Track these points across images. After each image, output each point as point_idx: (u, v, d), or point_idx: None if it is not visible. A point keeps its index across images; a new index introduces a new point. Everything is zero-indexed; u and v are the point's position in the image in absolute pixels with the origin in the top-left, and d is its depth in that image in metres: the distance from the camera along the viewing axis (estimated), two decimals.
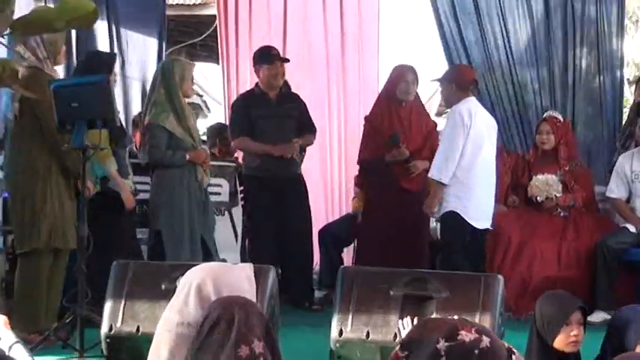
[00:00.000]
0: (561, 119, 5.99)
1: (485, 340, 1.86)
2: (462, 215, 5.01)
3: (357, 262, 5.64)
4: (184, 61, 5.45)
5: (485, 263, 5.28)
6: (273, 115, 5.61)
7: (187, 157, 5.11)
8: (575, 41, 6.65)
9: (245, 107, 5.68)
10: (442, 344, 1.86)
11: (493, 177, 5.23)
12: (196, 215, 5.15)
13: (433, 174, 5.05)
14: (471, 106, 5.13)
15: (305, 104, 5.86)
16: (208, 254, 5.13)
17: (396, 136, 5.49)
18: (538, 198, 5.74)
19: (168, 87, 5.13)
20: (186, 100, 5.28)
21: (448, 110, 5.76)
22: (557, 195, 5.71)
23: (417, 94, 5.71)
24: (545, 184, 5.73)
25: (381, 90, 6.03)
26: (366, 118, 5.77)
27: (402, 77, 5.51)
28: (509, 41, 6.67)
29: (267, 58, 5.67)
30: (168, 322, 2.31)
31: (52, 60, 4.39)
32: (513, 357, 1.92)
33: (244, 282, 2.30)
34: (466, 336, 1.86)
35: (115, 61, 5.06)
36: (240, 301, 2.16)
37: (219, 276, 2.29)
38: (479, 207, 5.09)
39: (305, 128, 5.76)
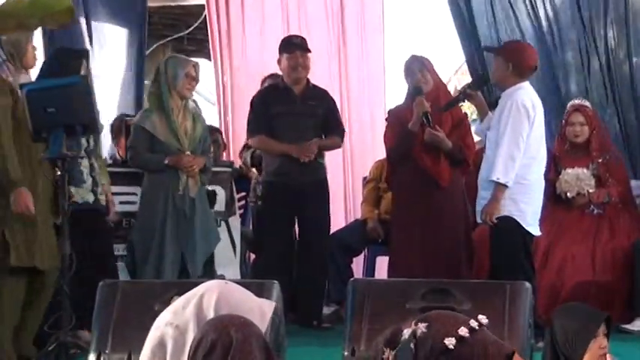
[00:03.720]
0: (591, 107, 5.99)
1: (421, 327, 1.98)
2: (519, 221, 4.81)
3: (390, 273, 5.55)
4: (179, 58, 5.49)
5: (534, 273, 4.95)
6: (295, 113, 5.62)
7: (166, 161, 5.14)
8: (605, 21, 6.65)
9: (264, 103, 5.70)
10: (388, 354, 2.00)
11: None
12: (171, 229, 5.12)
13: (499, 177, 4.73)
14: (531, 93, 4.93)
15: (334, 102, 5.87)
16: (185, 274, 5.10)
17: (420, 88, 5.32)
18: (568, 194, 5.72)
19: (159, 86, 5.22)
20: (186, 99, 5.29)
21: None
22: (590, 190, 5.70)
23: (440, 82, 5.56)
24: (576, 178, 5.72)
25: None
26: (389, 111, 5.75)
27: (408, 69, 5.48)
28: (529, 23, 6.69)
29: (287, 47, 5.71)
30: (159, 320, 2.38)
31: (17, 62, 4.35)
32: (463, 330, 1.96)
33: (254, 314, 2.30)
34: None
35: (87, 58, 5.04)
36: (237, 322, 2.16)
37: (227, 295, 2.31)
38: (536, 211, 4.91)
39: (331, 129, 5.75)
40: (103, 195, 5.02)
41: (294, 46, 5.69)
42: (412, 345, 1.89)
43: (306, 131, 5.61)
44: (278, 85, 5.78)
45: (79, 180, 4.86)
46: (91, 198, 4.92)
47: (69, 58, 4.78)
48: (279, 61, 5.75)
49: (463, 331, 1.93)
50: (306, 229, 5.63)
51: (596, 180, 5.74)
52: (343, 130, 5.89)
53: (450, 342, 1.90)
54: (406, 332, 1.93)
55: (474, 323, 1.97)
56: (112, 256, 5.21)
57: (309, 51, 5.74)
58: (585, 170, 5.74)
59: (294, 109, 5.62)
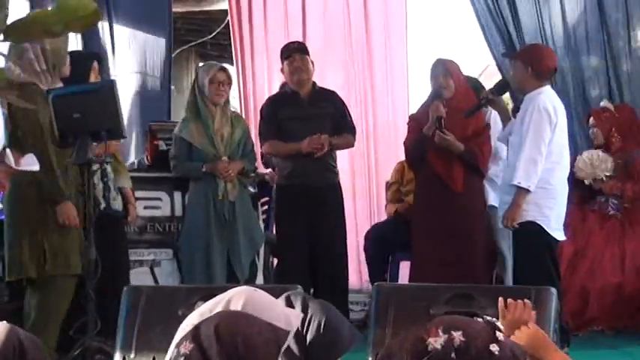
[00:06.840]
0: (612, 109, 5.95)
1: (457, 335, 1.86)
2: (543, 226, 4.79)
3: (412, 277, 5.53)
4: (205, 65, 5.67)
5: (559, 278, 4.96)
6: (304, 116, 5.64)
7: (204, 168, 5.23)
8: (632, 22, 6.60)
9: (273, 109, 5.74)
10: None
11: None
12: (216, 233, 5.21)
13: (520, 181, 4.73)
14: (553, 97, 4.93)
15: (343, 102, 5.89)
16: (234, 277, 5.19)
17: (440, 93, 5.32)
18: (585, 181, 5.69)
19: (194, 94, 5.40)
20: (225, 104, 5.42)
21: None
22: (606, 174, 5.65)
23: (463, 87, 5.47)
24: (590, 164, 5.68)
25: None
26: (411, 116, 5.77)
27: (432, 73, 5.47)
28: (557, 25, 6.66)
29: (285, 53, 5.76)
30: (186, 321, 2.40)
31: (56, 72, 4.40)
32: (498, 333, 1.90)
33: (280, 322, 2.32)
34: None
35: (98, 62, 5.04)
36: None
37: (253, 300, 2.33)
38: (560, 216, 4.89)
39: (342, 127, 5.75)
40: (117, 200, 5.04)
41: (291, 51, 5.74)
42: (453, 355, 1.83)
43: (317, 133, 5.60)
44: (285, 91, 5.82)
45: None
46: (102, 204, 4.95)
47: (79, 62, 4.79)
48: (282, 70, 5.81)
49: (500, 336, 1.89)
50: (324, 232, 5.62)
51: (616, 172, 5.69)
52: (354, 129, 5.89)
53: (495, 348, 1.85)
54: (435, 341, 1.86)
55: (500, 326, 1.94)
56: (127, 262, 5.22)
57: (308, 53, 5.78)
58: (600, 152, 5.71)
59: (302, 112, 5.64)
